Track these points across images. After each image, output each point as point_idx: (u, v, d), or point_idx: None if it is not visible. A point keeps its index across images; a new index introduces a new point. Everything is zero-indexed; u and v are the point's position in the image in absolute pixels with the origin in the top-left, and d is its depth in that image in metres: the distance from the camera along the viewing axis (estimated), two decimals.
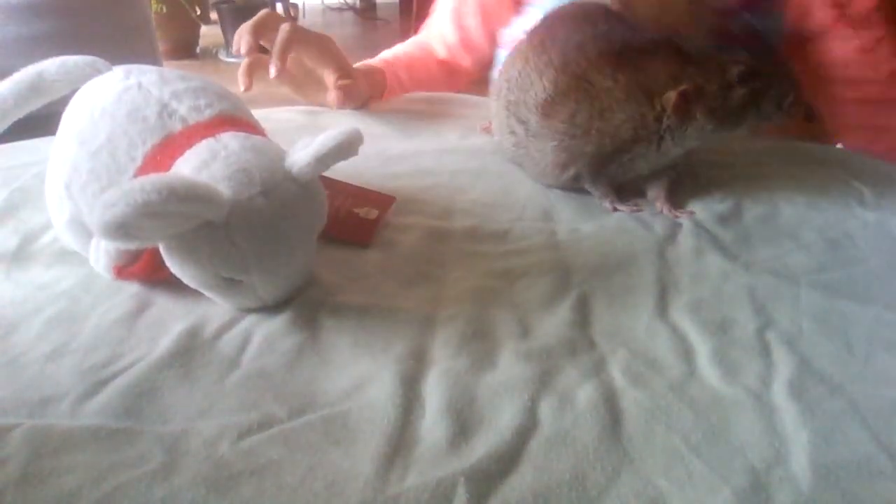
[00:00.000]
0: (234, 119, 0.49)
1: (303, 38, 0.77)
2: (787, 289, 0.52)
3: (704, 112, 0.60)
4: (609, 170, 0.64)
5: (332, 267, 0.53)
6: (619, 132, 0.61)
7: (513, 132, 0.67)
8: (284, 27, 0.74)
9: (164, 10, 3.22)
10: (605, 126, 0.61)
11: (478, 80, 1.03)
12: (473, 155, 0.74)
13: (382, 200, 0.62)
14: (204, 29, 3.67)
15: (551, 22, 0.70)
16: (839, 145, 0.88)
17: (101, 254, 0.49)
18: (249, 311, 0.48)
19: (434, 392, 0.41)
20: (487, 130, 0.79)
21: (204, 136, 0.45)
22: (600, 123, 0.61)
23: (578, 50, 0.63)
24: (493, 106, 0.73)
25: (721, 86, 0.60)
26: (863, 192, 0.68)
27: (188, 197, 0.39)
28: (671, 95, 0.59)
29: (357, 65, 0.89)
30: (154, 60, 1.17)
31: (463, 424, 0.39)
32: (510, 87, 0.68)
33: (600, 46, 0.63)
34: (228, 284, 0.46)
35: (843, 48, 0.81)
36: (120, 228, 0.38)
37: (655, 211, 0.64)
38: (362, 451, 0.37)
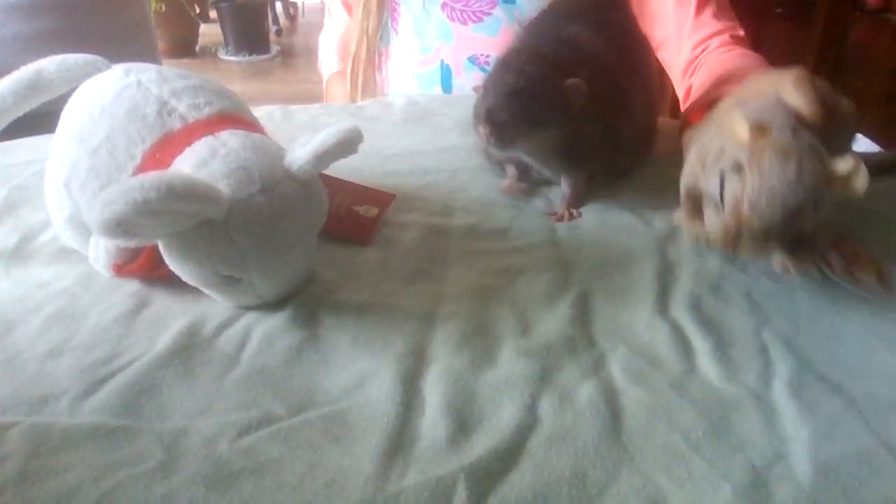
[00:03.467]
0: (233, 117, 0.48)
1: None
2: (785, 287, 0.52)
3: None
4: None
5: (332, 265, 0.53)
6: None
7: None
8: None
9: (164, 8, 3.21)
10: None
11: None
12: (473, 153, 0.74)
13: (382, 198, 0.62)
14: (203, 27, 3.67)
15: (544, 18, 0.70)
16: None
17: (100, 252, 0.49)
18: (249, 308, 0.48)
19: (434, 390, 0.41)
20: None
21: (203, 134, 0.45)
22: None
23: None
24: None
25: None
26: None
27: (187, 195, 0.39)
28: (574, 82, 0.57)
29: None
30: (153, 59, 1.17)
31: (463, 422, 0.39)
32: None
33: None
34: (228, 282, 0.46)
35: None
36: (119, 226, 0.38)
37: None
38: (362, 449, 0.37)
